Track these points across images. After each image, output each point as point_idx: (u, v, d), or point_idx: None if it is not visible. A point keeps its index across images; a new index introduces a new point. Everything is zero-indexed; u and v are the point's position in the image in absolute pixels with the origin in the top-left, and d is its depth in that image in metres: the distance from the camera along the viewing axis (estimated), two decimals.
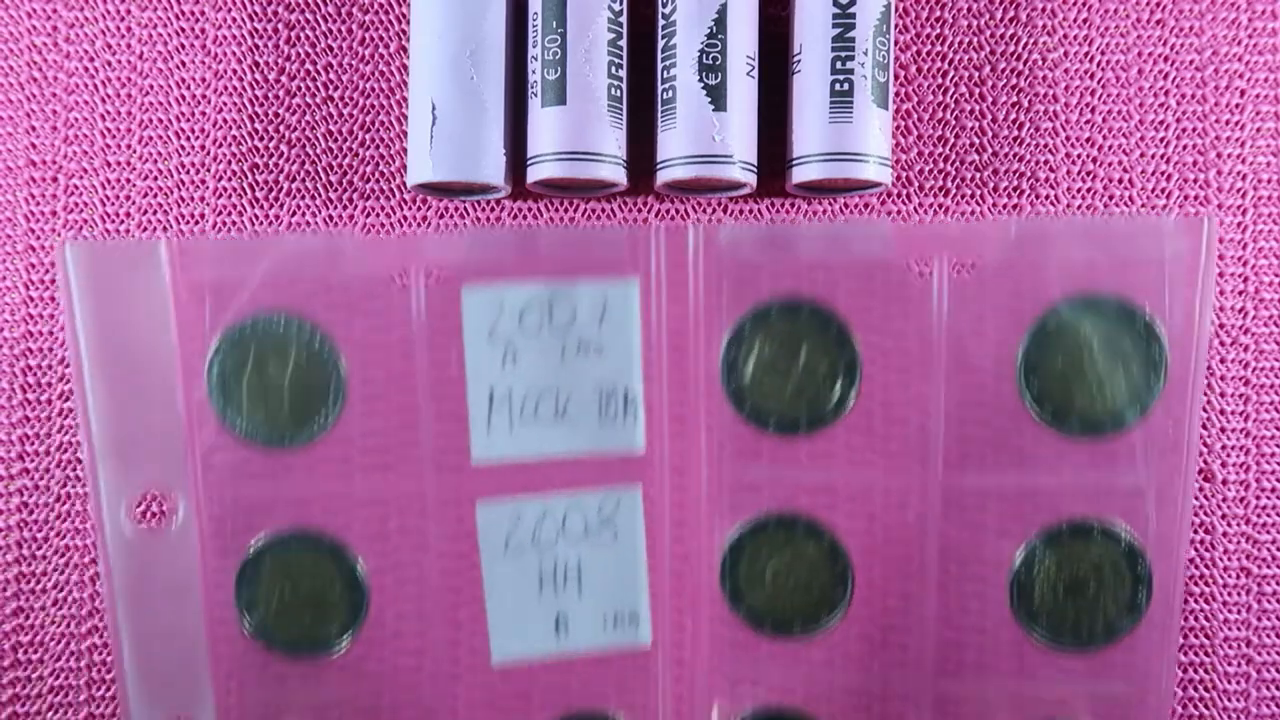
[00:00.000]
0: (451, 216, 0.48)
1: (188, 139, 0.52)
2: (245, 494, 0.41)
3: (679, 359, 0.39)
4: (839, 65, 0.48)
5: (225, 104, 0.52)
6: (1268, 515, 0.52)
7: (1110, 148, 0.52)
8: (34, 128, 0.52)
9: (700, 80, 0.47)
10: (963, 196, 0.50)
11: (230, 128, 0.52)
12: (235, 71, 0.52)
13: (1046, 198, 0.51)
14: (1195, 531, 0.52)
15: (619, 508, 0.39)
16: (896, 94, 0.52)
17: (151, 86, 0.52)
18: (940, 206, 0.51)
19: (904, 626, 0.45)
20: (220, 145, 0.52)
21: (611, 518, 0.39)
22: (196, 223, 0.52)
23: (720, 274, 0.40)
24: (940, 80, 0.52)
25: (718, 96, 0.47)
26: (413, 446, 0.39)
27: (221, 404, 0.39)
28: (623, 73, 0.48)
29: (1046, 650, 0.44)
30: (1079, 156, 0.52)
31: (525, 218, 0.46)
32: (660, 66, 0.46)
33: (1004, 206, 0.51)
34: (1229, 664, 0.53)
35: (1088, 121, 0.52)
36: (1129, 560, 0.45)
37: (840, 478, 0.41)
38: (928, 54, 0.52)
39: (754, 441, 0.41)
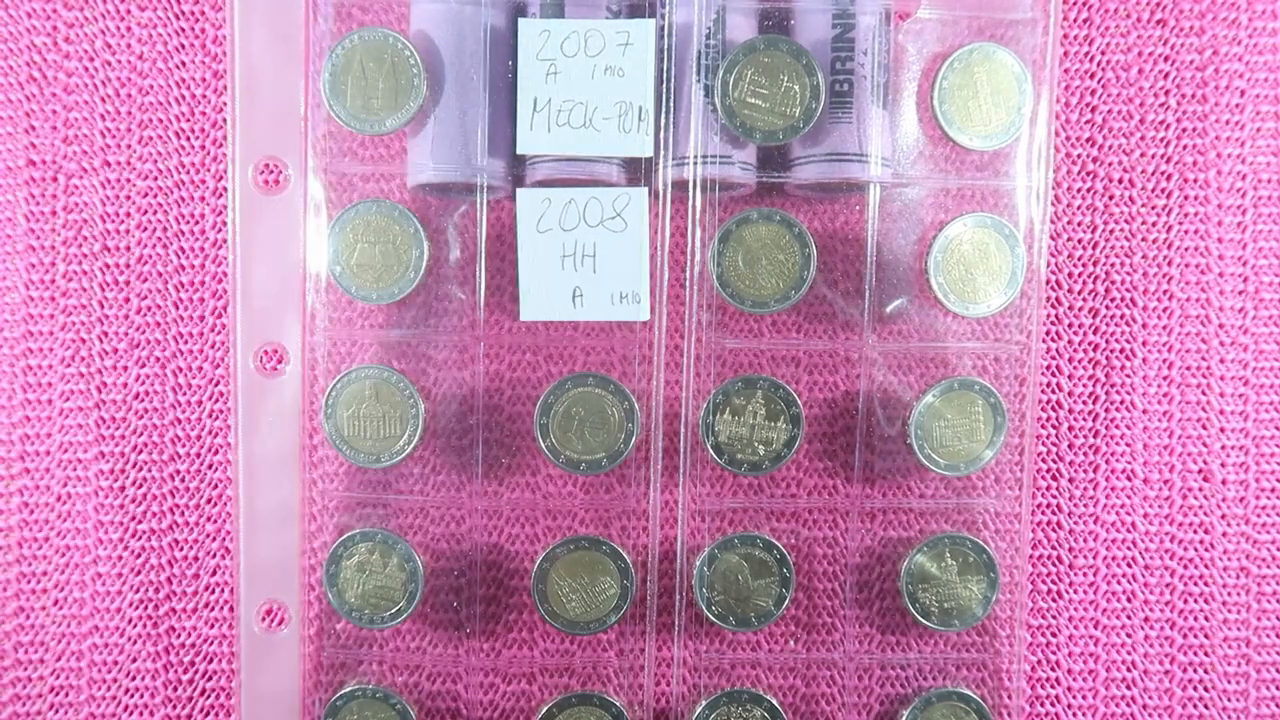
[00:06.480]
0: None
1: (188, 139, 0.52)
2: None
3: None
4: (839, 65, 0.48)
5: (225, 104, 0.52)
6: (1266, 515, 0.52)
7: (1110, 148, 0.52)
8: (34, 128, 0.52)
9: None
10: (964, 198, 0.50)
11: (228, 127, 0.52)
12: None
13: None
14: (1194, 532, 0.52)
15: (630, 202, 0.48)
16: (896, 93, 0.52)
17: (151, 86, 0.52)
18: (942, 207, 0.50)
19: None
20: (220, 145, 0.52)
21: (622, 211, 0.48)
22: (196, 223, 0.52)
23: None
24: None
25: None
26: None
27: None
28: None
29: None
30: (1080, 157, 0.52)
31: None
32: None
33: None
34: (1228, 664, 0.53)
35: (1088, 121, 0.52)
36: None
37: None
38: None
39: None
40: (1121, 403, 0.52)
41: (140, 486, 0.52)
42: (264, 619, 0.51)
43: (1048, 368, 0.52)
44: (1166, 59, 0.52)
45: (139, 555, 0.52)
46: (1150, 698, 0.53)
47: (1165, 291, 0.52)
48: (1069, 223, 0.52)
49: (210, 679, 0.52)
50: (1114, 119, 0.52)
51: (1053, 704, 0.53)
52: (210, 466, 0.52)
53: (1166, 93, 0.52)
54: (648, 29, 0.47)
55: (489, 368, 0.51)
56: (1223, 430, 0.52)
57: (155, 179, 0.52)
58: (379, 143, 0.50)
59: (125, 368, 0.52)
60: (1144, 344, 0.52)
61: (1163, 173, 0.52)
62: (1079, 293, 0.52)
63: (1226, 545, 0.53)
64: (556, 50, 0.47)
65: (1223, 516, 0.53)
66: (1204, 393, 0.52)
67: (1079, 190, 0.52)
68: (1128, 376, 0.52)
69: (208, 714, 0.52)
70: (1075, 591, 0.53)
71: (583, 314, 0.49)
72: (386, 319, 0.51)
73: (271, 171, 0.50)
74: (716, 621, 0.50)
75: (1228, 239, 0.52)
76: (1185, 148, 0.52)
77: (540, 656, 0.52)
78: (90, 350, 0.52)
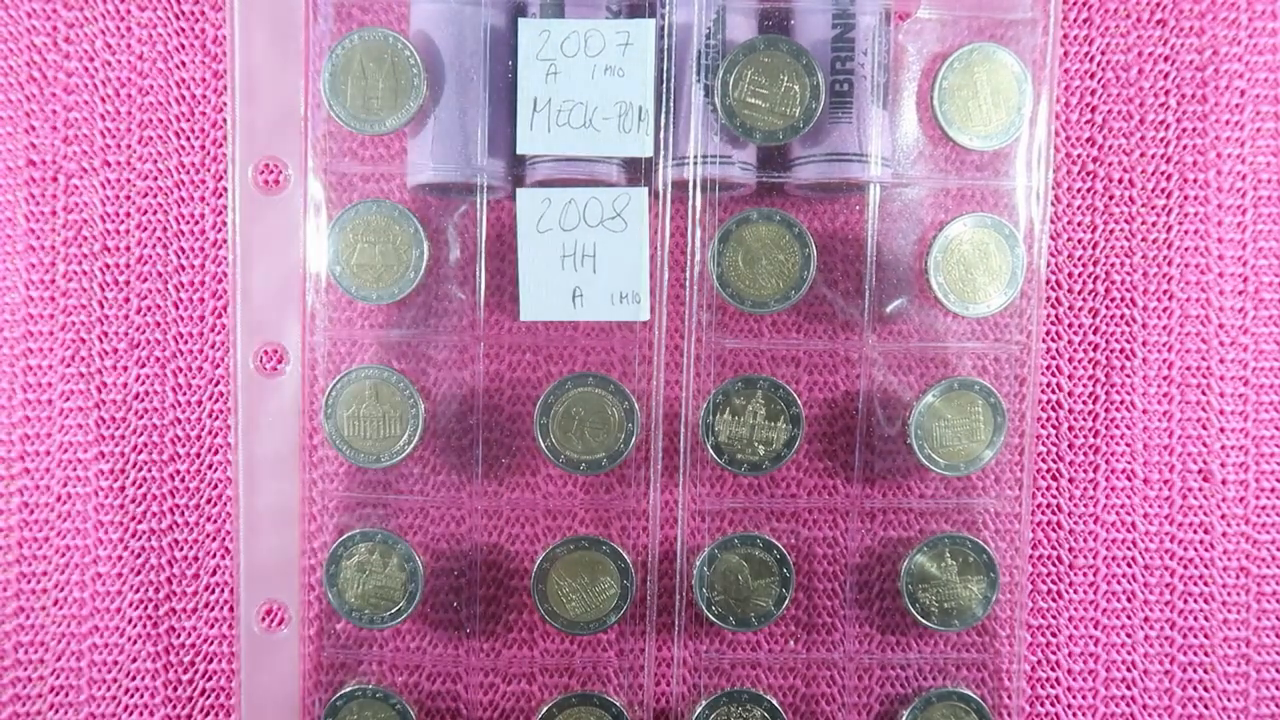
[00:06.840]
0: None
1: (188, 139, 0.52)
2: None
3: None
4: (839, 65, 0.48)
5: (225, 104, 0.52)
6: (1266, 515, 0.52)
7: (1110, 148, 0.52)
8: (34, 128, 0.52)
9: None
10: (964, 198, 0.50)
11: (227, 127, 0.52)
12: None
13: None
14: (1194, 532, 0.52)
15: (630, 202, 0.48)
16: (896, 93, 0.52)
17: (151, 86, 0.52)
18: (942, 207, 0.50)
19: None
20: (220, 145, 0.52)
21: (622, 211, 0.48)
22: (196, 223, 0.52)
23: None
24: None
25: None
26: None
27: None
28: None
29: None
30: (1080, 157, 0.52)
31: None
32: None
33: None
34: (1228, 664, 0.53)
35: (1088, 121, 0.52)
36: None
37: None
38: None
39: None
40: (1121, 403, 0.52)
41: (140, 486, 0.52)
42: (264, 619, 0.51)
43: (1048, 368, 0.52)
44: (1166, 59, 0.52)
45: (139, 555, 0.52)
46: (1150, 698, 0.53)
47: (1165, 291, 0.52)
48: (1069, 223, 0.52)
49: (210, 679, 0.52)
50: (1114, 119, 0.52)
51: (1053, 704, 0.53)
52: (210, 466, 0.52)
53: (1166, 93, 0.52)
54: (648, 29, 0.47)
55: (489, 368, 0.51)
56: (1223, 430, 0.52)
57: (155, 179, 0.52)
58: (379, 143, 0.50)
59: (125, 368, 0.52)
60: (1144, 344, 0.52)
61: (1163, 173, 0.52)
62: (1079, 293, 0.52)
63: (1226, 545, 0.53)
64: (556, 50, 0.47)
65: (1223, 516, 0.53)
66: (1204, 393, 0.52)
67: (1079, 190, 0.52)
68: (1128, 376, 0.52)
69: (208, 714, 0.52)
70: (1075, 591, 0.53)
71: (583, 314, 0.49)
72: (386, 319, 0.51)
73: (271, 171, 0.50)
74: (716, 621, 0.50)
75: (1228, 239, 0.52)
76: (1185, 148, 0.52)
77: (540, 656, 0.52)
78: (90, 350, 0.52)
